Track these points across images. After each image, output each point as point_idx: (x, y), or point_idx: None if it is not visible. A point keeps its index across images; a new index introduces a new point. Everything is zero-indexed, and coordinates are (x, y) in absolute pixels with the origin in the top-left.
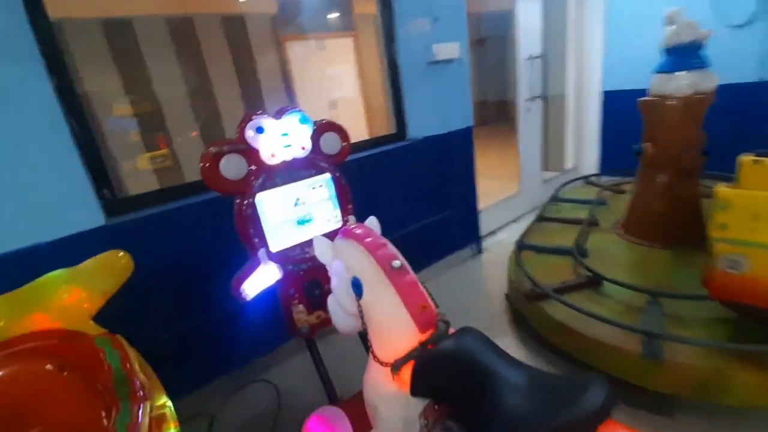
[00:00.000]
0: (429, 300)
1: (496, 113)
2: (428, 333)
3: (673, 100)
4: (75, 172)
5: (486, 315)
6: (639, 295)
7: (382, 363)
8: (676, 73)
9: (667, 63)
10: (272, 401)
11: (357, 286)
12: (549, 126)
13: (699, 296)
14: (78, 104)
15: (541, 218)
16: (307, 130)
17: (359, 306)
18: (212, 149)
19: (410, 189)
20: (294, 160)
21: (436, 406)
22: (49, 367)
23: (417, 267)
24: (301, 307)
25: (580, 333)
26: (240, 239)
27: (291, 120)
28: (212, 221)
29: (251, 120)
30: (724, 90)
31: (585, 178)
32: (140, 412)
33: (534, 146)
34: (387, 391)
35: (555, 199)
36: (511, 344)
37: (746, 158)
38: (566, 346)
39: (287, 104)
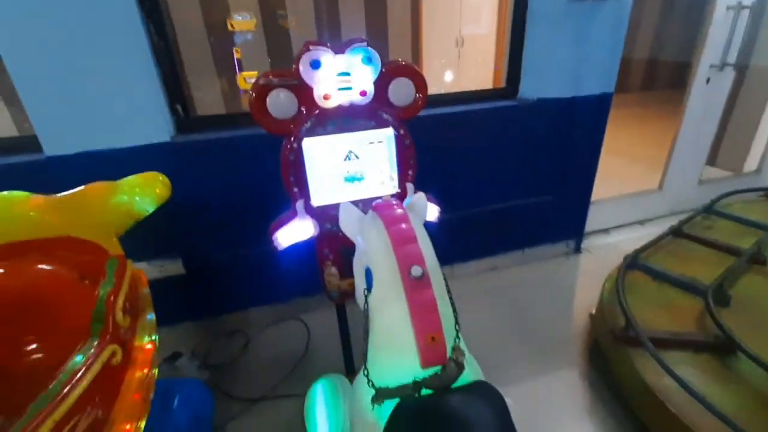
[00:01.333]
0: (442, 330)
1: (665, 77)
2: (431, 371)
3: None
4: (151, 85)
5: (558, 334)
6: None
7: (368, 381)
8: None
9: None
10: (302, 343)
11: (369, 277)
12: (736, 106)
13: None
14: (159, 14)
15: (678, 232)
16: (371, 73)
17: (366, 302)
18: (261, 80)
19: (508, 161)
20: (352, 106)
21: None
22: (75, 275)
23: (494, 250)
24: (333, 269)
25: (671, 412)
26: (282, 184)
27: (353, 57)
28: (276, 155)
29: (308, 51)
30: None
31: (766, 190)
32: (93, 358)
33: (703, 131)
34: (365, 417)
35: (710, 210)
36: (580, 387)
37: None
38: (648, 419)
39: (409, 35)
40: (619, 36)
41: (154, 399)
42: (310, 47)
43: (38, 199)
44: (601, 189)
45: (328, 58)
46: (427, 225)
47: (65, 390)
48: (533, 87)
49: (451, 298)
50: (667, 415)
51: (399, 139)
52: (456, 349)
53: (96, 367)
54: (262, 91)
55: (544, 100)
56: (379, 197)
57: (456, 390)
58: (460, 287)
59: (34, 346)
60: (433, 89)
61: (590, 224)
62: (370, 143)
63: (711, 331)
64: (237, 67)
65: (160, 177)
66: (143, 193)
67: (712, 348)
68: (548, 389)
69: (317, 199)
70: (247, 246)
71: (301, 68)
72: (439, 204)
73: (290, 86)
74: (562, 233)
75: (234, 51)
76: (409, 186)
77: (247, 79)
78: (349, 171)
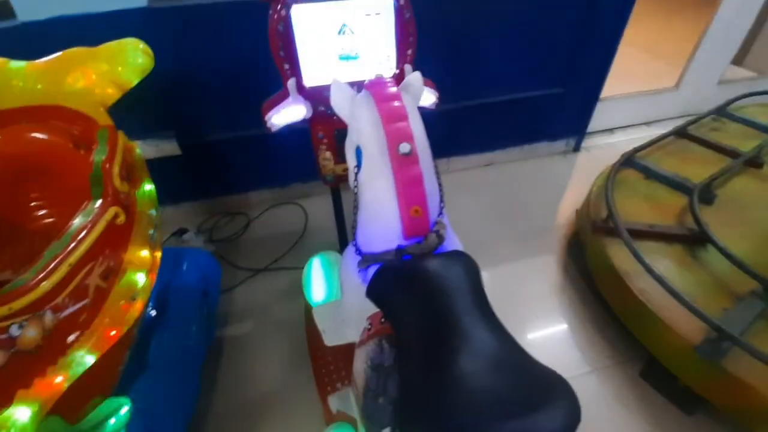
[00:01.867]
0: (427, 204)
1: None
2: (413, 240)
3: None
4: None
5: (544, 225)
6: (746, 279)
7: (356, 249)
8: None
9: None
10: (300, 224)
11: (359, 155)
12: None
13: None
14: None
15: (682, 133)
16: None
17: (356, 179)
18: None
19: (519, 46)
20: None
21: (383, 319)
22: (69, 144)
23: (492, 146)
24: (328, 154)
25: (634, 293)
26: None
27: None
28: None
29: None
30: None
31: None
32: (98, 216)
33: (736, 25)
34: (352, 278)
35: (722, 111)
36: (555, 271)
37: None
38: (614, 301)
39: None
40: None
41: (166, 263)
42: None
43: (19, 64)
44: (613, 85)
45: None
46: (425, 113)
47: (78, 237)
48: None
49: (438, 177)
50: (628, 293)
51: (399, 11)
52: (438, 222)
53: (101, 225)
54: None
55: None
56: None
57: (434, 255)
58: (456, 180)
59: (40, 204)
60: None
61: (595, 123)
62: (367, 15)
63: (687, 225)
64: None
65: (141, 45)
66: (124, 61)
67: (684, 240)
68: (526, 270)
69: (309, 79)
70: (242, 127)
71: None
72: (438, 90)
73: None
74: (564, 131)
75: None
76: (408, 68)
77: None
78: (344, 48)
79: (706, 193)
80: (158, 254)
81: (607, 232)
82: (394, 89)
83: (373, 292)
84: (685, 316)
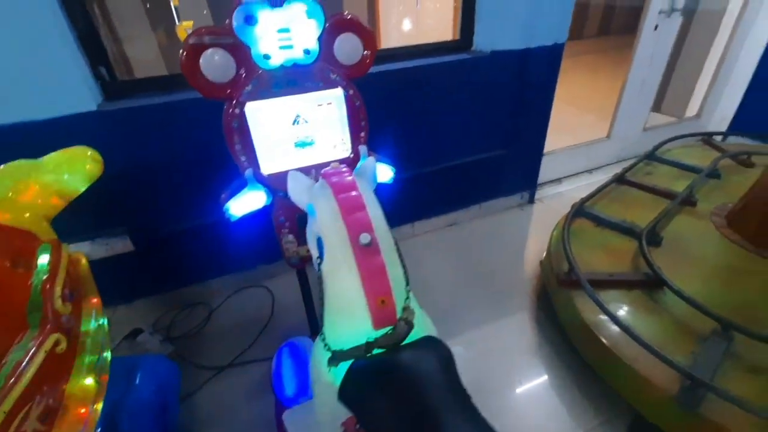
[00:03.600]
0: (392, 293)
1: (622, 22)
2: (382, 331)
3: None
4: (65, 46)
5: (511, 281)
6: (706, 318)
7: (324, 345)
8: None
9: None
10: (267, 309)
11: (320, 246)
12: (682, 52)
13: None
14: None
15: (621, 179)
16: (315, 28)
17: (319, 270)
18: (191, 39)
19: (464, 116)
20: (296, 66)
21: (357, 425)
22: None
23: (453, 206)
24: (291, 237)
25: (605, 345)
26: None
27: (294, 11)
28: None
29: (240, 5)
30: None
31: (705, 135)
32: (35, 348)
33: (650, 78)
34: (322, 378)
35: (651, 156)
36: (529, 329)
37: None
38: (587, 354)
39: None
40: None
41: (116, 377)
42: (244, 0)
43: None
44: (554, 140)
45: (265, 13)
46: (383, 186)
47: (10, 382)
48: (487, 39)
49: (401, 260)
50: (600, 347)
51: (349, 100)
52: (406, 309)
53: (39, 358)
54: (193, 51)
55: (498, 52)
56: (332, 162)
57: (405, 346)
58: (421, 243)
59: None
60: (392, 42)
61: (543, 175)
62: (319, 105)
63: (642, 269)
64: (176, 17)
65: (89, 152)
66: (71, 170)
67: (642, 285)
68: (501, 332)
69: (267, 167)
70: (198, 216)
71: (235, 25)
72: (394, 164)
73: (225, 45)
74: (517, 186)
75: None
76: (362, 148)
77: (188, 29)
78: (299, 135)
79: (653, 236)
80: (105, 377)
81: (571, 285)
82: (350, 178)
83: (345, 396)
84: (659, 365)
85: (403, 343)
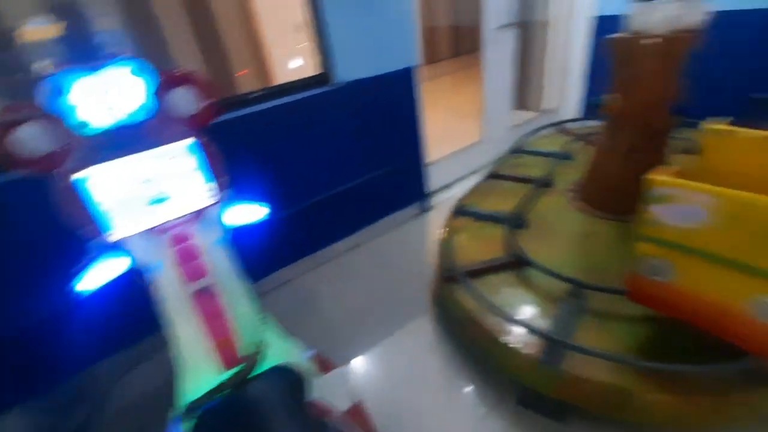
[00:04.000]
0: (232, 333)
1: (472, 42)
2: (232, 371)
3: (650, 38)
4: None
5: (414, 288)
6: (564, 284)
7: (178, 406)
8: (653, 3)
9: None
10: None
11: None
12: (528, 57)
13: (624, 291)
14: None
15: (493, 174)
16: (145, 85)
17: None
18: None
19: (340, 144)
20: (126, 126)
21: None
22: None
23: (356, 227)
24: None
25: (483, 328)
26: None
27: (117, 73)
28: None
29: (47, 77)
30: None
31: (559, 123)
32: None
33: (502, 85)
34: None
35: (517, 149)
36: (429, 331)
37: (712, 126)
38: (473, 341)
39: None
40: (407, 17)
41: None
42: (50, 71)
43: None
44: (441, 147)
45: (80, 83)
46: (270, 223)
47: None
48: (346, 71)
49: (252, 297)
50: (479, 331)
51: (201, 148)
52: (257, 344)
53: None
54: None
55: (357, 81)
56: (190, 213)
57: (251, 381)
58: (328, 270)
59: None
60: (280, 79)
61: (435, 183)
62: (168, 159)
63: (512, 252)
64: None
65: None
66: None
67: (511, 266)
68: (404, 339)
69: (119, 232)
70: (49, 305)
71: (42, 99)
72: (278, 201)
73: (38, 118)
74: (411, 197)
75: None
76: (223, 194)
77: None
78: (152, 193)
79: (519, 220)
80: None
81: (452, 279)
82: (188, 228)
83: None
84: (526, 335)
85: (251, 376)
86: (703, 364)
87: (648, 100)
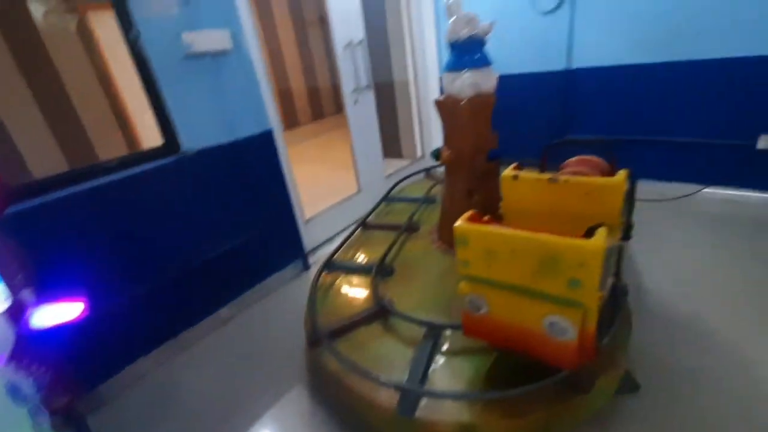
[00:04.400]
0: None
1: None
2: None
3: (460, 100)
4: None
5: (292, 356)
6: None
7: None
8: (460, 72)
9: (451, 60)
10: None
11: None
12: (397, 111)
13: None
14: None
15: (365, 224)
16: None
17: None
18: None
19: (196, 214)
20: None
21: None
22: None
23: (225, 299)
24: None
25: (346, 387)
26: None
27: None
28: None
29: None
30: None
31: (426, 170)
32: None
33: (370, 139)
34: None
35: (387, 198)
36: (305, 399)
37: (506, 173)
38: (339, 403)
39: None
40: (254, 83)
41: None
42: None
43: None
44: (322, 202)
45: None
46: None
47: None
48: (192, 139)
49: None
50: (347, 392)
51: None
52: None
53: None
54: None
55: (206, 149)
56: None
57: None
58: (190, 356)
59: None
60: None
61: (315, 238)
62: None
63: (376, 302)
64: None
65: None
66: None
67: (376, 316)
68: (278, 414)
69: None
70: None
71: None
72: (115, 284)
73: None
74: (287, 258)
75: None
76: (26, 292)
77: None
78: None
79: (386, 268)
80: None
81: (318, 343)
82: None
83: None
84: (383, 389)
85: None
86: (529, 384)
87: (469, 149)
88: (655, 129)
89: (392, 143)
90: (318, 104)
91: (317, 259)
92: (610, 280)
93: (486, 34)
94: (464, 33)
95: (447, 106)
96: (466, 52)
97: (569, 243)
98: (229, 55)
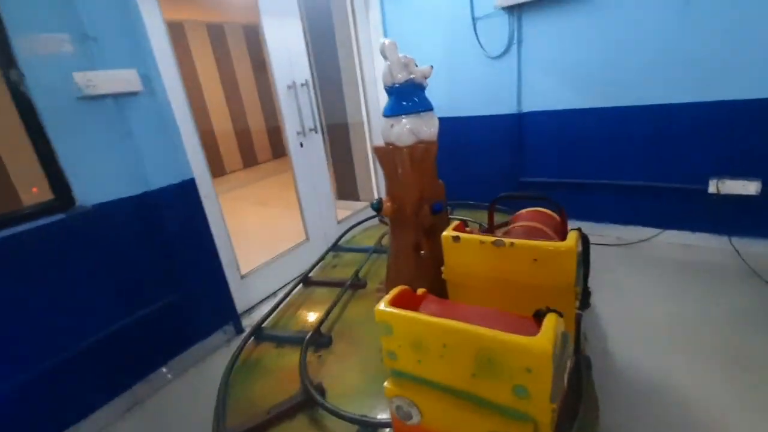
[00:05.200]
0: None
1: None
2: None
3: (399, 148)
4: None
5: None
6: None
7: None
8: (398, 118)
9: (388, 105)
10: None
11: None
12: (351, 153)
13: None
14: None
15: (306, 280)
16: None
17: None
18: None
19: (97, 278)
20: None
21: None
22: None
23: (132, 380)
24: None
25: None
26: None
27: None
28: None
29: None
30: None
31: (376, 216)
32: None
33: (320, 183)
34: None
35: (336, 247)
36: None
37: (446, 233)
38: None
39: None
40: (170, 127)
41: None
42: None
43: None
44: (266, 253)
45: None
46: None
47: None
48: (90, 192)
49: None
50: None
51: None
52: None
53: None
54: None
55: (109, 203)
56: None
57: None
58: None
59: None
60: None
61: (254, 296)
62: None
63: (303, 387)
64: None
65: None
66: None
67: (303, 406)
68: None
69: None
70: None
71: None
72: None
73: None
74: (215, 322)
75: None
76: None
77: None
78: None
79: (320, 339)
80: None
81: None
82: None
83: None
84: None
85: None
86: None
87: (412, 200)
88: (611, 173)
89: (348, 186)
90: (279, 143)
91: (253, 320)
92: (569, 364)
93: (425, 77)
94: (400, 78)
95: (387, 154)
96: (404, 96)
97: (509, 342)
98: (139, 98)
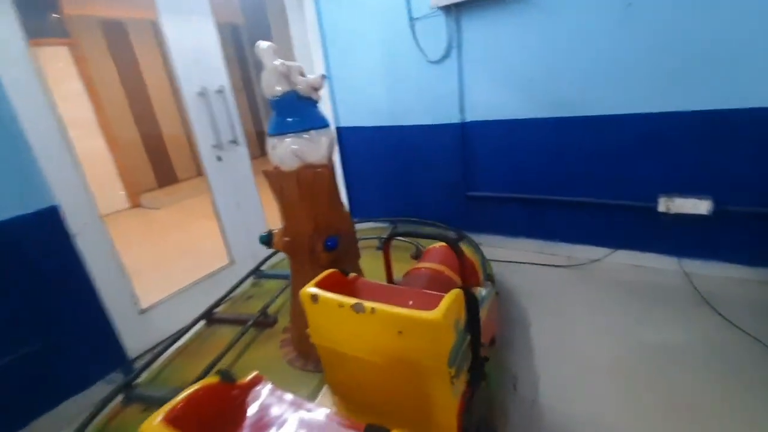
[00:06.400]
0: None
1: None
2: None
3: (285, 173)
4: None
5: None
6: None
7: None
8: (281, 138)
9: (272, 122)
10: None
11: None
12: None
13: None
14: None
15: (209, 317)
16: None
17: None
18: None
19: None
20: None
21: None
22: None
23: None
24: None
25: None
26: None
27: None
28: None
29: None
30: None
31: None
32: None
33: (247, 200)
34: None
35: (257, 273)
36: None
37: (304, 291)
38: None
39: None
40: (15, 147)
41: None
42: None
43: None
44: (179, 281)
45: None
46: None
47: None
48: None
49: None
50: None
51: None
52: None
53: None
54: None
55: None
56: None
57: None
58: None
59: None
60: None
61: (161, 333)
62: None
63: None
64: None
65: None
66: None
67: None
68: None
69: None
70: None
71: None
72: None
73: None
74: (94, 371)
75: None
76: None
77: None
78: None
79: None
80: None
81: None
82: None
83: None
84: None
85: None
86: None
87: (306, 232)
88: (561, 188)
89: None
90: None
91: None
92: None
93: (315, 89)
94: (278, 90)
95: (275, 179)
96: (288, 112)
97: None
98: None
